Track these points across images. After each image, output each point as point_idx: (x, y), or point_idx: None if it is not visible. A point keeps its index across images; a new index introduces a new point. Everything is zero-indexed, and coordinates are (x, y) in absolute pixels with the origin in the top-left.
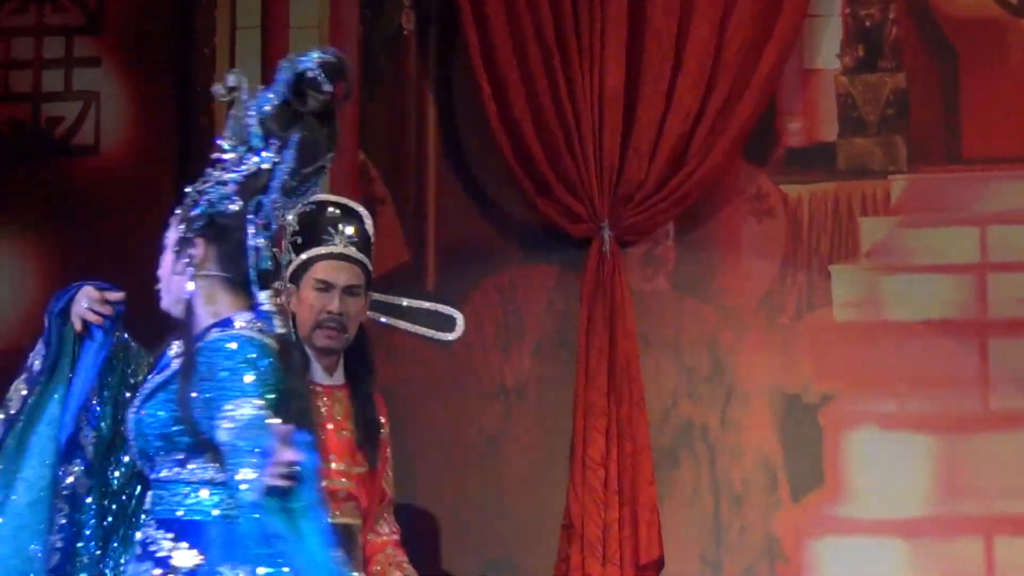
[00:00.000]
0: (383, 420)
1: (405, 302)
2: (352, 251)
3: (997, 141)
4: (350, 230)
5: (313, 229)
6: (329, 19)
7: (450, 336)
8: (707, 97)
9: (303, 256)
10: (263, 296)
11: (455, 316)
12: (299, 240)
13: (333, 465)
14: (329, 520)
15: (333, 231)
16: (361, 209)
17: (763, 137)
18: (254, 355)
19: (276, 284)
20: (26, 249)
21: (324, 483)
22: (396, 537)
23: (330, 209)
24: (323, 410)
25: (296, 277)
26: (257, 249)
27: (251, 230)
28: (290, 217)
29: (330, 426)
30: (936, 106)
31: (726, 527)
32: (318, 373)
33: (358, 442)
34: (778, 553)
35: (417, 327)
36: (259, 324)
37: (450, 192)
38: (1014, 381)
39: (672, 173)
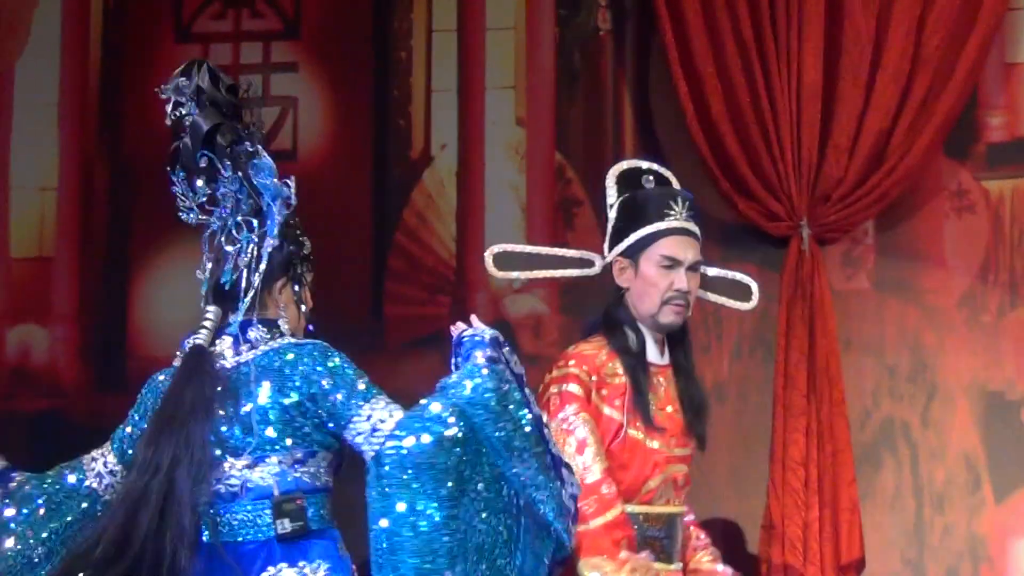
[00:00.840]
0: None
1: (710, 272)
2: (691, 225)
3: None
4: (686, 204)
5: (651, 202)
6: (525, 20)
7: (747, 305)
8: (907, 92)
9: (648, 230)
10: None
11: (751, 285)
12: (633, 214)
13: (677, 450)
14: (669, 510)
15: (674, 204)
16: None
17: (964, 132)
18: None
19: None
20: None
21: (668, 470)
22: (693, 517)
23: (662, 183)
24: (662, 391)
25: (634, 252)
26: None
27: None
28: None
29: (669, 408)
30: None
31: (928, 528)
32: (653, 352)
33: (687, 422)
34: (982, 554)
35: (719, 296)
36: None
37: None
38: None
39: (872, 170)
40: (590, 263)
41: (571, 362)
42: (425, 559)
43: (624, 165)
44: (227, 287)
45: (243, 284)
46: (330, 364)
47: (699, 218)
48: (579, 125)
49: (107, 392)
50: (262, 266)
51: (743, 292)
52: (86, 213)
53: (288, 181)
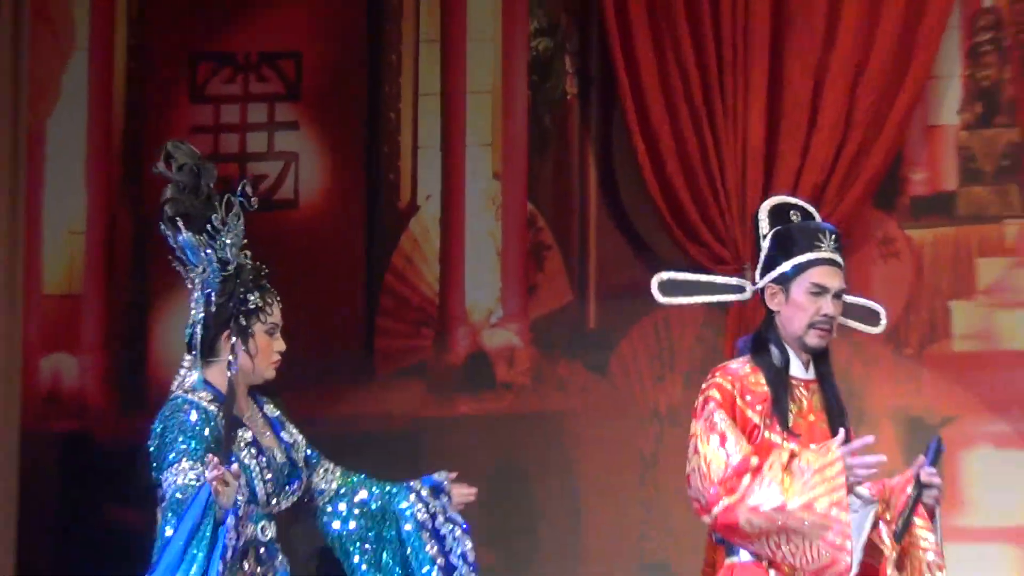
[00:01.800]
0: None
1: (849, 299)
2: (837, 256)
3: None
4: (834, 236)
5: (802, 234)
6: (502, 85)
7: (876, 329)
8: (840, 151)
9: (799, 260)
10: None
11: (880, 312)
12: (785, 244)
13: None
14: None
15: (824, 237)
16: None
17: (890, 186)
18: None
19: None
20: None
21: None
22: None
23: (807, 217)
24: (804, 402)
25: (785, 279)
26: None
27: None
28: (764, 224)
29: (811, 417)
30: None
31: None
32: (797, 367)
33: (832, 428)
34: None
35: (849, 320)
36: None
37: (609, 239)
38: None
39: None
40: (741, 289)
41: (717, 374)
42: None
43: (775, 200)
44: (187, 340)
45: (195, 339)
46: (157, 424)
47: (843, 250)
48: (548, 179)
49: (130, 414)
50: (198, 328)
51: (873, 317)
52: (111, 254)
53: (223, 250)
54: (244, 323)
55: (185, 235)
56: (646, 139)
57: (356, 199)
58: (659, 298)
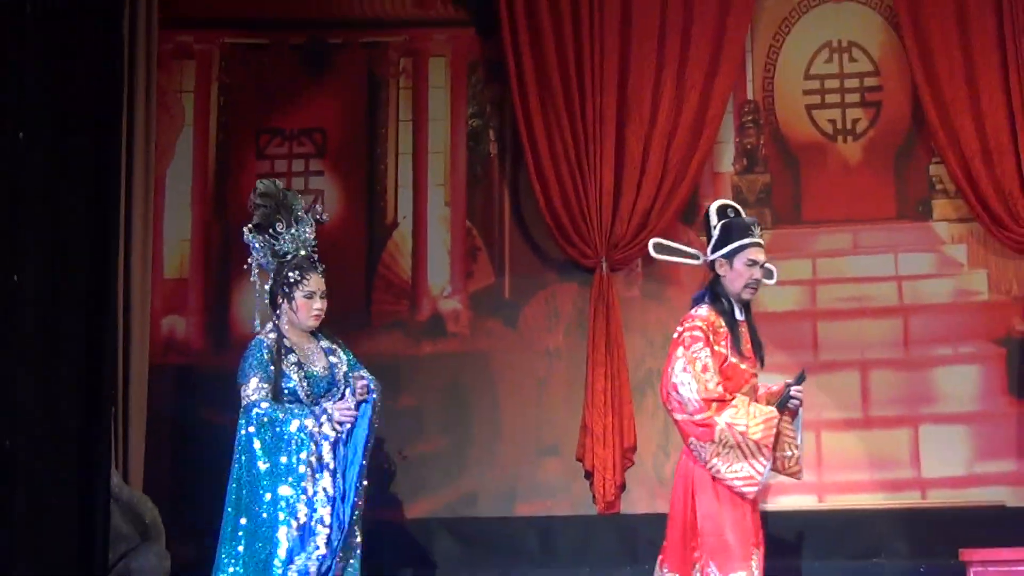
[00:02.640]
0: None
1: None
2: (762, 240)
3: (822, 210)
4: (759, 228)
5: (741, 225)
6: (450, 147)
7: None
8: (659, 187)
9: (741, 242)
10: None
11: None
12: (730, 232)
13: (752, 370)
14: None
15: (754, 228)
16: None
17: (691, 209)
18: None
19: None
20: None
21: (751, 381)
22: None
23: (746, 216)
24: (743, 336)
25: (730, 255)
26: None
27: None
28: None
29: (748, 345)
30: (788, 191)
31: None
32: (737, 313)
33: (757, 353)
34: None
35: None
36: None
37: (518, 243)
38: (838, 348)
39: (640, 231)
40: (697, 257)
41: (696, 321)
42: None
43: (719, 202)
44: (266, 300)
45: (266, 301)
46: (243, 356)
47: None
48: (479, 206)
49: (219, 353)
50: (266, 295)
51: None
52: (206, 253)
53: (283, 244)
54: (288, 291)
55: (249, 236)
56: (540, 181)
57: (360, 219)
58: (652, 254)
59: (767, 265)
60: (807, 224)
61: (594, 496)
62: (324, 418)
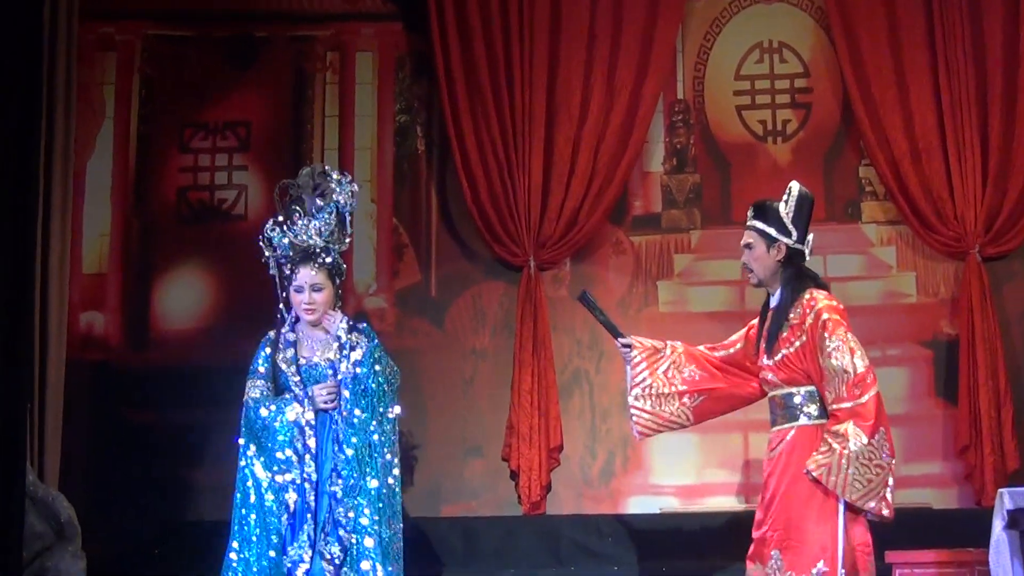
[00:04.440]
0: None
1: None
2: (750, 222)
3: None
4: (751, 211)
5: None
6: (377, 144)
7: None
8: (588, 187)
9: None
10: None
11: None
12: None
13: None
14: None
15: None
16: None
17: (620, 209)
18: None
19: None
20: (204, 274)
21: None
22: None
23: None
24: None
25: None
26: None
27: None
28: None
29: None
30: (717, 192)
31: (598, 430)
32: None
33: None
34: (628, 443)
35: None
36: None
37: (445, 241)
38: None
39: (569, 230)
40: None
41: (835, 302)
42: None
43: (800, 186)
44: None
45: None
46: None
47: (763, 216)
48: (406, 203)
49: (137, 350)
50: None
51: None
52: (126, 248)
53: (278, 241)
54: (282, 288)
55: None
56: (468, 178)
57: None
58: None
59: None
60: (736, 224)
61: (519, 497)
62: (307, 402)
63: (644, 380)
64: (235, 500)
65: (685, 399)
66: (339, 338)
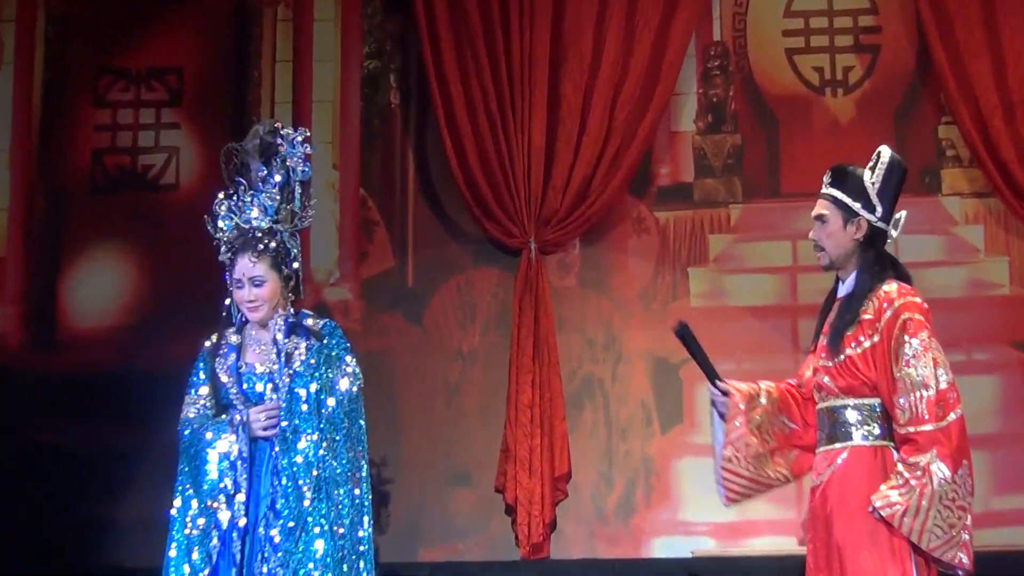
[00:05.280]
0: None
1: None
2: (825, 189)
3: (805, 180)
4: (828, 177)
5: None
6: (340, 95)
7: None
8: (603, 150)
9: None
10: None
11: None
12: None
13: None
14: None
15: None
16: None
17: (642, 178)
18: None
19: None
20: (126, 258)
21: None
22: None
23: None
24: None
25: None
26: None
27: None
28: None
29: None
30: (762, 156)
31: (615, 451)
32: None
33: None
34: (651, 469)
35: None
36: None
37: (424, 217)
38: None
39: (578, 204)
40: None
41: (918, 299)
42: None
43: (893, 154)
44: None
45: None
46: None
47: (842, 183)
48: (376, 169)
49: (40, 351)
50: None
51: None
52: (28, 226)
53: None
54: (228, 283)
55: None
56: (453, 139)
57: (223, 183)
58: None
59: None
60: (786, 197)
61: (517, 537)
62: (241, 430)
63: (740, 438)
64: (167, 543)
65: (778, 456)
66: (275, 342)
